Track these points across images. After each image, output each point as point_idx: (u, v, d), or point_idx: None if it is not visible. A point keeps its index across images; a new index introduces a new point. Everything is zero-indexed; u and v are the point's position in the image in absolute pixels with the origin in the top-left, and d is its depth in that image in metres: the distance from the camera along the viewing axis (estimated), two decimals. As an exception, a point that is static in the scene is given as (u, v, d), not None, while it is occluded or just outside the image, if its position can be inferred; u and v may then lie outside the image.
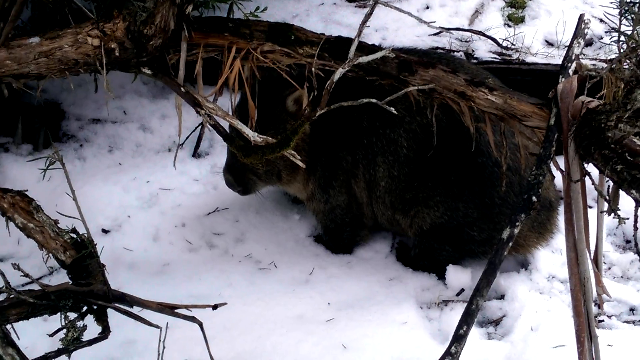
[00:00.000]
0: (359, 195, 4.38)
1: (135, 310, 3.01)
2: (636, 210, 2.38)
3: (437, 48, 5.37)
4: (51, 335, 2.79)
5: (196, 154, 5.09)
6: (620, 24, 2.40)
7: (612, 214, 2.54)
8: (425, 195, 4.19)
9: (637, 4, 2.28)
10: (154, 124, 5.21)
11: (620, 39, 2.41)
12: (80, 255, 2.80)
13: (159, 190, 4.80)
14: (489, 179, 4.00)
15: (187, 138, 5.11)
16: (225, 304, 3.20)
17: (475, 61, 5.22)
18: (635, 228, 2.42)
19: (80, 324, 2.76)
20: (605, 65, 2.66)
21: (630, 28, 2.37)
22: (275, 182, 4.43)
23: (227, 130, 3.47)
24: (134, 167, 4.96)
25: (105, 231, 4.49)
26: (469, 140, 3.58)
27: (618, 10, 2.37)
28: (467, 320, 2.88)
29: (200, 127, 5.07)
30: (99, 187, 4.72)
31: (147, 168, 4.94)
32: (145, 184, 4.82)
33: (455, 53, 5.36)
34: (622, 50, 2.36)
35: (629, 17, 2.35)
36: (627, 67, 2.44)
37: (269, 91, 3.98)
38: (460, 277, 4.25)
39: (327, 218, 4.50)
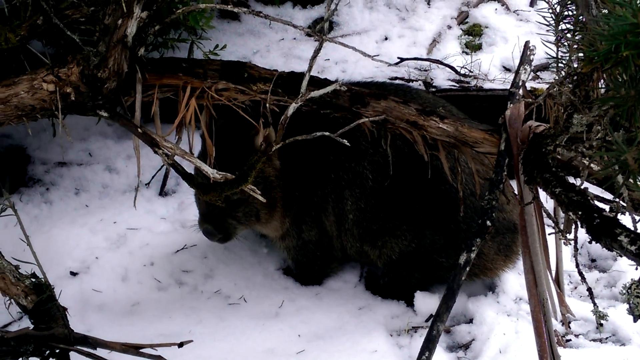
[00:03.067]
0: (329, 229, 4.40)
1: (104, 352, 3.02)
2: (575, 231, 2.44)
3: (396, 78, 5.44)
4: (13, 381, 2.80)
5: (163, 192, 5.10)
6: (558, 50, 2.48)
7: (560, 235, 2.60)
8: (392, 225, 4.23)
9: (572, 32, 2.36)
10: (120, 165, 5.23)
11: (559, 65, 2.48)
12: (40, 300, 2.81)
13: (127, 230, 4.80)
14: (453, 205, 4.03)
15: (153, 177, 5.12)
16: (192, 341, 3.22)
17: (434, 89, 5.29)
18: (576, 249, 2.47)
19: (42, 368, 2.78)
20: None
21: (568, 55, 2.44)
22: (254, 224, 4.34)
23: (185, 169, 3.50)
24: (100, 208, 4.96)
25: (73, 273, 4.49)
26: (430, 169, 3.64)
27: (554, 38, 2.45)
28: (428, 346, 2.93)
29: (165, 165, 5.09)
30: (66, 230, 4.72)
31: (114, 209, 4.94)
32: (113, 225, 4.82)
33: (414, 82, 5.42)
34: (559, 77, 2.43)
35: (565, 43, 2.42)
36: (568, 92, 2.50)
37: (235, 132, 4.01)
38: (429, 303, 4.29)
39: (299, 253, 4.50)
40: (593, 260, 4.67)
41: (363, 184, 4.19)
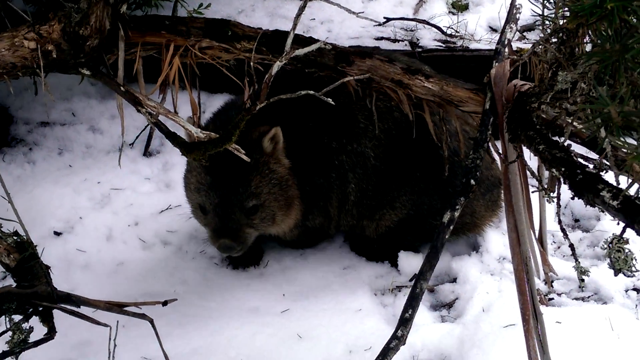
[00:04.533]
0: (332, 214, 4.34)
1: (89, 311, 3.01)
2: (558, 188, 2.45)
3: (382, 38, 5.41)
4: (-5, 338, 2.79)
5: (147, 152, 5.09)
6: (544, 8, 2.46)
7: (543, 192, 2.60)
8: (391, 198, 4.25)
9: (557, -12, 2.34)
10: (104, 125, 5.21)
11: (545, 22, 2.47)
12: (23, 257, 2.80)
13: (111, 190, 4.79)
14: (450, 169, 4.02)
15: (137, 137, 5.10)
16: (176, 300, 3.22)
17: (420, 49, 5.27)
18: (558, 206, 2.48)
19: (25, 326, 2.77)
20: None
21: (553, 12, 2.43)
22: (270, 227, 4.12)
23: (169, 128, 3.48)
24: (84, 168, 4.94)
25: (57, 233, 4.48)
26: (428, 134, 3.64)
27: (541, -5, 2.43)
28: (412, 304, 2.93)
29: (149, 125, 5.06)
30: (50, 189, 4.71)
31: (98, 169, 4.93)
32: (97, 185, 4.81)
33: (400, 42, 5.40)
34: (544, 34, 2.42)
35: (551, 0, 2.40)
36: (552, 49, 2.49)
37: (246, 128, 3.68)
38: (413, 262, 4.31)
39: (299, 237, 4.45)
40: (577, 220, 4.70)
41: (365, 163, 4.17)
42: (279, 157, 3.98)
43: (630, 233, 2.08)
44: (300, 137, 3.94)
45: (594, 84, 1.98)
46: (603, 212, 2.10)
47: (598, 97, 1.74)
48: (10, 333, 2.77)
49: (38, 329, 2.93)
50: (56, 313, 2.96)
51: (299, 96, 3.11)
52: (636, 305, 4.01)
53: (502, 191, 4.23)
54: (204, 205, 3.96)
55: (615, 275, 2.24)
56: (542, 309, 3.33)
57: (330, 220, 4.36)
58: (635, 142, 1.88)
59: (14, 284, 2.87)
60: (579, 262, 2.41)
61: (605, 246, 2.14)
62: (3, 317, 2.75)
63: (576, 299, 4.12)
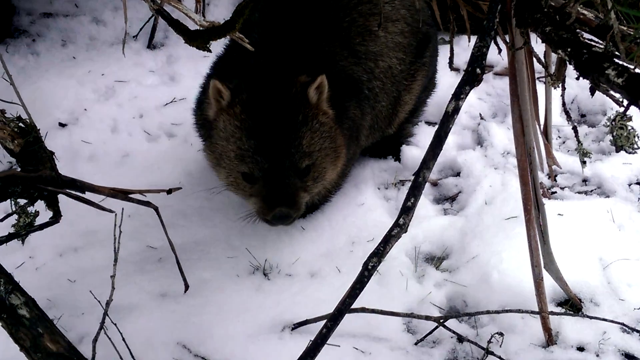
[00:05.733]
0: (363, 140, 4.15)
1: (96, 200, 3.03)
2: (564, 70, 2.42)
3: None
4: (1, 220, 2.82)
5: (151, 45, 5.04)
6: None
7: (549, 79, 2.57)
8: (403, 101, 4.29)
9: None
10: (107, 17, 5.15)
11: None
12: (27, 141, 2.80)
13: (115, 82, 4.78)
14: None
15: (141, 29, 5.05)
16: (180, 188, 3.25)
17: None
18: (563, 88, 2.45)
19: (31, 209, 2.80)
20: None
21: None
22: (320, 186, 3.70)
23: (172, 16, 3.41)
24: (88, 60, 4.92)
25: (62, 125, 4.49)
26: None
27: None
28: (414, 192, 2.91)
29: (153, 17, 5.00)
30: (54, 81, 4.70)
31: (102, 61, 4.90)
32: (101, 77, 4.80)
33: None
34: None
35: None
36: None
37: (283, 80, 3.53)
38: (416, 157, 4.31)
39: (336, 183, 4.13)
40: (583, 116, 4.67)
41: (393, 74, 4.08)
42: (325, 108, 3.61)
43: (634, 110, 2.04)
44: (332, 78, 3.61)
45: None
46: (607, 91, 2.07)
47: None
48: (16, 216, 2.80)
49: (43, 215, 2.97)
50: (63, 203, 2.99)
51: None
52: (638, 199, 4.02)
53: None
54: (252, 172, 3.48)
55: (617, 151, 2.24)
56: (545, 201, 3.35)
57: (360, 146, 4.17)
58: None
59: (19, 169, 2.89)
60: (581, 144, 2.40)
61: (609, 124, 2.14)
62: (9, 200, 2.77)
63: (579, 192, 4.14)
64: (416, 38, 4.17)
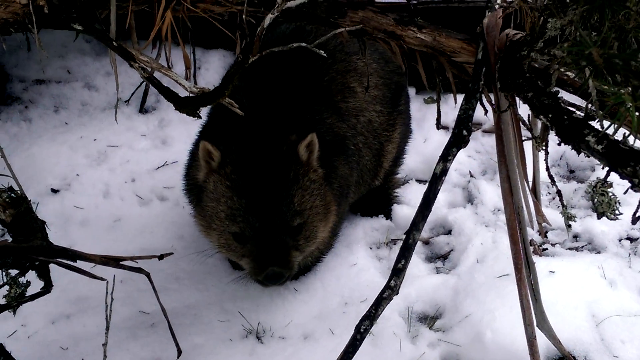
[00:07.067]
0: (352, 195, 4.15)
1: (87, 267, 3.03)
2: (546, 135, 2.45)
3: (377, -10, 5.36)
4: (-7, 292, 2.82)
5: (143, 109, 5.09)
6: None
7: (534, 141, 2.61)
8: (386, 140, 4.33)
9: None
10: (99, 82, 5.20)
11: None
12: (18, 212, 2.81)
13: (107, 147, 4.81)
14: None
15: (132, 94, 5.09)
16: (172, 254, 3.24)
17: (415, 1, 5.22)
18: (546, 152, 2.49)
19: (22, 280, 2.80)
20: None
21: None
22: (312, 244, 3.65)
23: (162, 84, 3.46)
24: (80, 125, 4.96)
25: (54, 190, 4.50)
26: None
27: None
28: (404, 254, 2.93)
29: (144, 82, 5.05)
30: (46, 147, 4.72)
31: (94, 126, 4.94)
32: (93, 142, 4.83)
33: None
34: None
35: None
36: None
37: (273, 139, 3.55)
38: (407, 215, 4.33)
39: (328, 242, 4.11)
40: (572, 172, 4.71)
41: (373, 127, 4.16)
42: (315, 165, 3.61)
43: (614, 177, 2.07)
44: (320, 136, 3.63)
45: (577, 26, 1.98)
46: (588, 157, 2.11)
47: (581, 39, 1.74)
48: (7, 287, 2.80)
49: (35, 284, 2.96)
50: (55, 270, 2.97)
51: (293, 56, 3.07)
52: (629, 254, 4.04)
53: None
54: (243, 232, 3.44)
55: (599, 218, 2.28)
56: (536, 258, 3.37)
57: (348, 203, 4.16)
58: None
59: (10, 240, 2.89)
60: (566, 208, 2.42)
61: (590, 190, 2.17)
62: (0, 271, 2.77)
63: (570, 248, 4.15)
64: (390, 89, 4.24)
